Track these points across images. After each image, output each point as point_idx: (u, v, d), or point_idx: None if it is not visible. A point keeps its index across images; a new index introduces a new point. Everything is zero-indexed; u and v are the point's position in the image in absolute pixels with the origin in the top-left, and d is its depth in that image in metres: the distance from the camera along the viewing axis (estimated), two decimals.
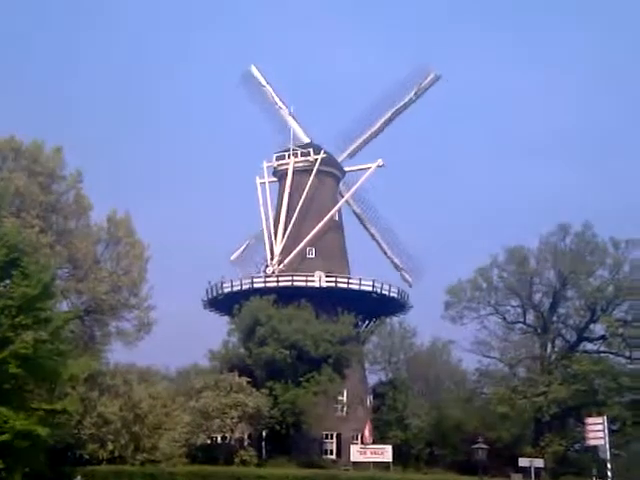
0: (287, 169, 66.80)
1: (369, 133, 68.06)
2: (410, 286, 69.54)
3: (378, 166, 67.92)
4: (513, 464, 50.09)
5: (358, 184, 68.41)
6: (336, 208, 67.39)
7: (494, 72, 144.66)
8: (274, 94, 69.48)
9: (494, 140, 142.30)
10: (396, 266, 70.24)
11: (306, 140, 68.71)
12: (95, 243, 46.61)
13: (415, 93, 66.89)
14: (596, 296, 56.11)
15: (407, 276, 70.08)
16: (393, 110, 67.32)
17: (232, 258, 70.67)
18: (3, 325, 26.82)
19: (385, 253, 70.20)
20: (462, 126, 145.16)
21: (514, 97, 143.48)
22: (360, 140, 68.30)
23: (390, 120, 67.92)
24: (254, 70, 70.27)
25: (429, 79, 67.02)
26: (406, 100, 67.14)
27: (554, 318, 59.28)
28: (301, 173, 66.53)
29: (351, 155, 69.20)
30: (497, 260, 59.59)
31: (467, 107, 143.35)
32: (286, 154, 67.44)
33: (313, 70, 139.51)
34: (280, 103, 69.32)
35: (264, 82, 69.76)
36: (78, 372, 32.22)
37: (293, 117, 69.15)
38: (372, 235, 70.14)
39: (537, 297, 59.59)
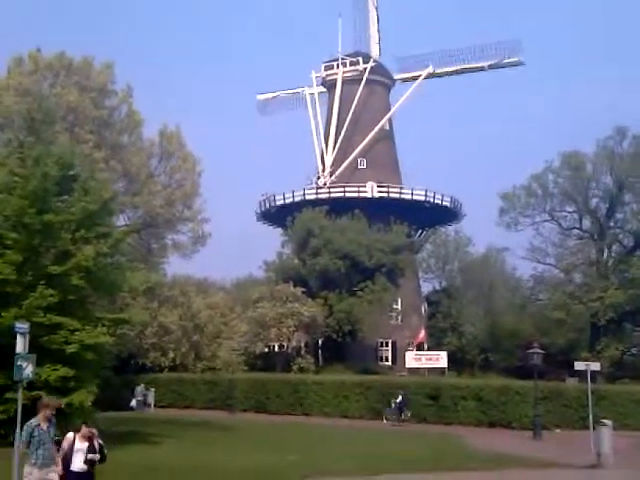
0: (336, 79, 65.91)
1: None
2: (521, 64, 66.36)
3: (429, 73, 66.64)
4: (568, 369, 50.17)
5: (411, 89, 67.52)
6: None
7: None
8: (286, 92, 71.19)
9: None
10: (497, 65, 66.40)
11: None
12: (148, 157, 46.73)
13: None
14: None
15: (510, 60, 65.84)
16: None
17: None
18: (64, 239, 27.16)
19: (483, 69, 66.83)
20: None
21: None
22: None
23: None
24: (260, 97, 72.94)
25: None
26: None
27: (611, 223, 58.53)
28: (350, 83, 65.57)
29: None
30: (552, 166, 58.71)
31: None
32: (334, 64, 66.46)
33: None
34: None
35: (273, 95, 72.19)
36: (137, 284, 32.63)
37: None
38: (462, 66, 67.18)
39: (594, 202, 58.88)
